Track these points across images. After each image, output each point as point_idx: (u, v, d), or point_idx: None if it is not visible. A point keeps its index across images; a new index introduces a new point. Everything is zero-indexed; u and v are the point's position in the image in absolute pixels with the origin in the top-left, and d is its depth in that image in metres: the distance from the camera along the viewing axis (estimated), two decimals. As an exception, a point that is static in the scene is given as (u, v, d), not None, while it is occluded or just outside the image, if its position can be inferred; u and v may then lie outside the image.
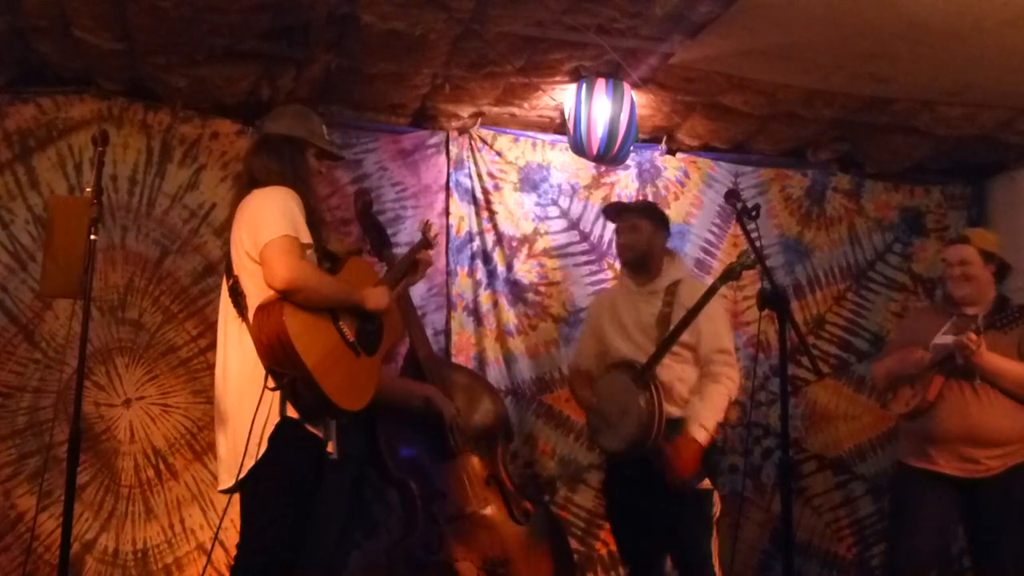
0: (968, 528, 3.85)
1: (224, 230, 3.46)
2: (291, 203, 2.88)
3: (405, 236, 4.43)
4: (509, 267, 4.69)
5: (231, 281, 2.92)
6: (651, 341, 3.71)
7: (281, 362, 2.71)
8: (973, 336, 3.60)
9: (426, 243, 3.71)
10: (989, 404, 3.71)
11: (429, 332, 4.31)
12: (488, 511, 3.76)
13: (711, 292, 3.63)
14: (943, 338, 3.79)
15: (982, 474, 3.72)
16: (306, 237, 2.87)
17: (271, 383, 2.72)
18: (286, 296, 2.74)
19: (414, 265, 3.54)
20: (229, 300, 2.92)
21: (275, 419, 2.76)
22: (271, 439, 2.75)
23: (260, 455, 2.74)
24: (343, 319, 2.89)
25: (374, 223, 3.96)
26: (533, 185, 4.78)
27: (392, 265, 3.70)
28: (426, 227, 3.77)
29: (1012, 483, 3.72)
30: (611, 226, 4.74)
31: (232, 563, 2.94)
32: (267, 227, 2.80)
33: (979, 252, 3.87)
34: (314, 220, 2.97)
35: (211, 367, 3.62)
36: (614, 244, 4.00)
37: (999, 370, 3.69)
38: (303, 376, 2.70)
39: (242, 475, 2.76)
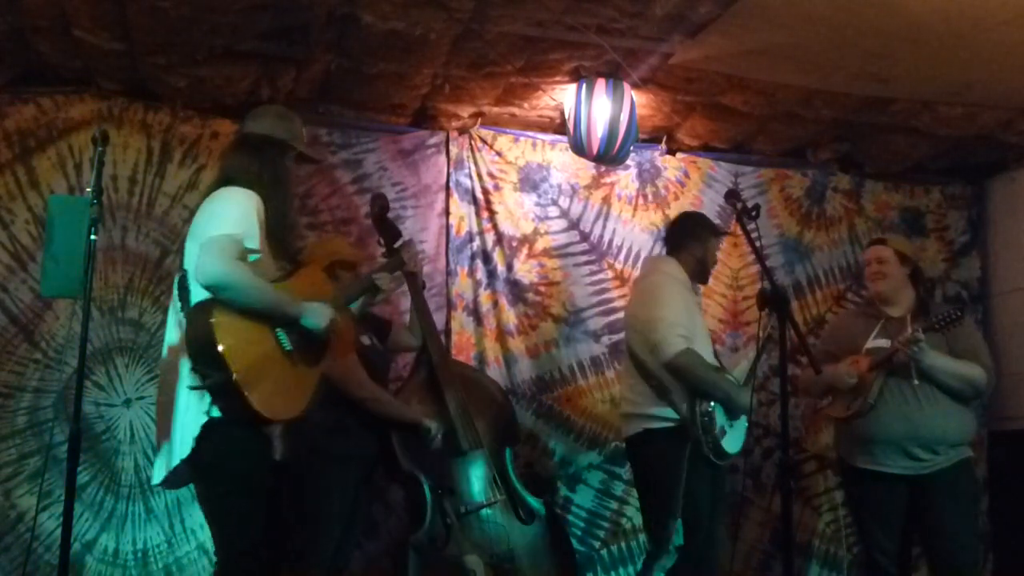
0: (919, 522, 3.90)
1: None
2: (249, 206, 2.81)
3: (405, 236, 4.41)
4: (509, 267, 4.69)
5: (180, 275, 2.88)
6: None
7: (207, 364, 2.67)
8: (920, 334, 3.71)
9: (398, 263, 3.63)
10: (928, 404, 3.79)
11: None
12: (495, 509, 3.78)
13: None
14: (877, 342, 3.88)
15: (929, 470, 3.80)
16: (255, 242, 2.79)
17: (195, 382, 2.69)
18: (213, 293, 2.70)
19: (374, 287, 3.45)
20: (177, 294, 2.88)
21: (202, 420, 2.70)
22: (199, 439, 2.69)
23: (192, 454, 2.70)
24: (284, 326, 2.82)
25: (389, 226, 3.96)
26: (533, 185, 4.78)
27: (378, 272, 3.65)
28: (406, 245, 3.69)
29: (959, 477, 3.83)
30: (611, 226, 4.79)
31: (215, 571, 2.91)
32: (214, 225, 2.76)
33: (895, 252, 3.99)
34: (284, 224, 2.93)
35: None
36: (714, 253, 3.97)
37: (940, 367, 3.78)
38: (227, 382, 2.64)
39: (173, 466, 2.74)
